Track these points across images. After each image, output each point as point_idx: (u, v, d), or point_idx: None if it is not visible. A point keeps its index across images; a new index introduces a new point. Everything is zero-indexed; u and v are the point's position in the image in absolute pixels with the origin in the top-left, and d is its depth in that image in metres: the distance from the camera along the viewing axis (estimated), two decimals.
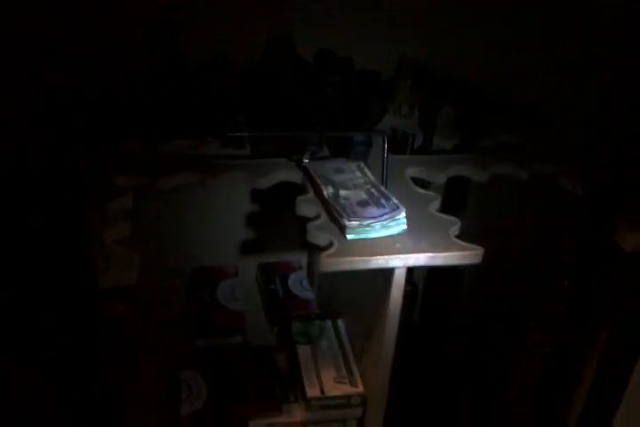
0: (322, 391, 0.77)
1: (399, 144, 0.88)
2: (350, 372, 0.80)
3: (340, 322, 0.90)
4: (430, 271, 1.05)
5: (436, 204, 0.76)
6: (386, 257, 0.65)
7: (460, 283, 1.03)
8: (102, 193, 0.72)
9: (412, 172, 0.84)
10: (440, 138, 0.90)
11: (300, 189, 0.79)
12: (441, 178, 0.84)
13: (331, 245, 0.66)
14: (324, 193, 0.73)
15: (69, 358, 0.59)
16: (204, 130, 0.78)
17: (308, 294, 1.01)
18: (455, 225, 0.71)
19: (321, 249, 0.67)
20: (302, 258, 1.10)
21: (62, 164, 0.46)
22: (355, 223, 0.67)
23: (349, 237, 0.67)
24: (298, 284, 1.03)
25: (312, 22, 0.83)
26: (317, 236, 0.68)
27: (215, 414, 0.76)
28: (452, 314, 1.01)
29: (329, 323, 0.89)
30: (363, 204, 0.71)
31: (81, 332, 0.56)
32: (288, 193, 0.78)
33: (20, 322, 0.51)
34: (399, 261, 0.66)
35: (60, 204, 0.47)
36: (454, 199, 0.96)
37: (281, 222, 1.05)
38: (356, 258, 0.64)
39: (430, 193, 0.78)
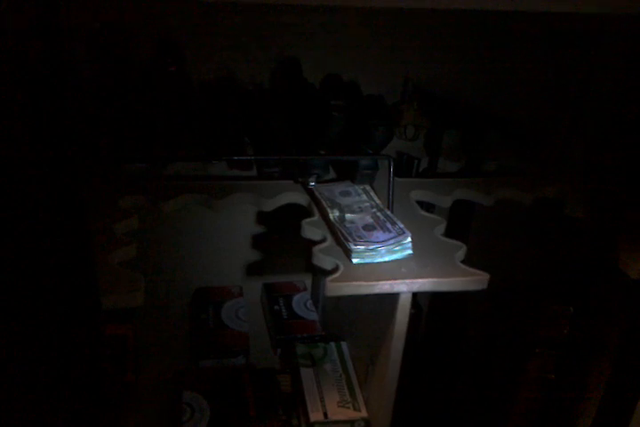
0: (325, 416, 0.76)
1: (405, 167, 0.88)
2: (354, 396, 0.79)
3: (344, 345, 0.89)
4: (435, 294, 1.05)
5: (442, 228, 0.77)
6: (391, 282, 0.65)
7: (465, 306, 1.03)
8: (108, 215, 0.72)
9: (417, 195, 0.84)
10: (445, 161, 0.91)
11: (306, 212, 0.79)
12: (446, 201, 0.84)
13: (337, 268, 0.66)
14: (330, 216, 0.73)
15: (70, 379, 0.59)
16: (211, 152, 0.79)
17: (313, 315, 1.01)
18: (461, 250, 0.71)
19: (327, 273, 0.67)
20: (307, 279, 1.10)
21: (68, 183, 0.46)
22: (361, 248, 0.67)
23: (355, 261, 0.67)
24: (302, 305, 1.03)
25: (318, 46, 0.84)
26: (323, 259, 0.68)
27: None
28: (455, 337, 1.01)
29: (333, 345, 0.89)
30: (369, 228, 0.71)
31: (83, 352, 0.55)
32: (293, 215, 0.79)
33: (22, 339, 0.51)
34: (404, 287, 0.66)
35: (65, 226, 0.47)
36: (459, 223, 0.96)
37: (286, 244, 1.06)
38: (362, 283, 0.65)
39: (436, 217, 0.78)
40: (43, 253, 0.46)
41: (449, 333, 1.02)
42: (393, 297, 0.68)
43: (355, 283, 0.64)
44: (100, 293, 0.51)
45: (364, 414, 0.77)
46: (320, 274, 1.04)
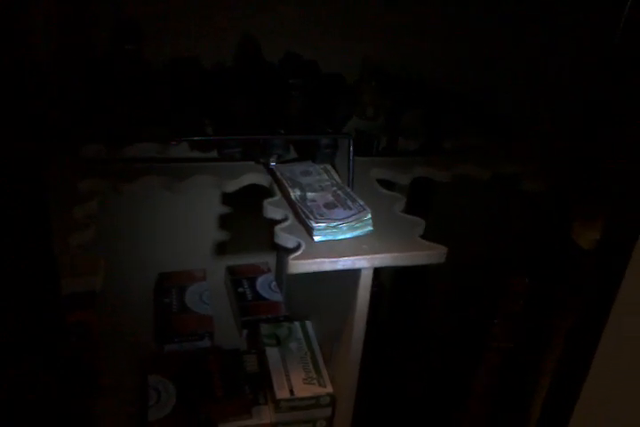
0: (291, 393, 0.77)
1: (364, 146, 0.89)
2: (319, 373, 0.80)
3: (308, 324, 0.90)
4: (396, 271, 1.07)
5: (401, 204, 0.78)
6: (352, 258, 0.66)
7: (425, 282, 1.05)
8: (66, 198, 0.71)
9: (377, 173, 0.85)
10: (404, 140, 0.92)
11: (268, 192, 0.79)
12: (405, 179, 0.85)
13: (298, 247, 0.66)
14: (292, 195, 0.73)
15: (33, 365, 0.58)
16: (170, 132, 0.78)
17: (277, 296, 1.01)
18: (419, 225, 0.72)
19: (289, 251, 0.67)
20: (271, 260, 1.11)
21: (24, 165, 0.45)
22: (322, 225, 0.67)
23: (317, 238, 0.67)
24: (266, 286, 1.03)
25: (278, 25, 0.84)
26: (285, 238, 0.69)
27: (184, 418, 0.75)
28: (417, 313, 1.03)
29: (297, 325, 0.90)
30: (330, 206, 0.72)
31: (45, 338, 0.55)
32: (255, 196, 0.79)
33: None
34: (366, 262, 0.67)
35: (23, 208, 0.46)
36: (419, 199, 0.97)
37: (248, 225, 1.06)
38: (324, 259, 0.65)
39: (395, 194, 0.79)
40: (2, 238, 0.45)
41: (411, 309, 1.04)
42: (354, 274, 0.69)
43: (317, 260, 0.65)
44: (59, 277, 0.51)
45: (329, 389, 0.78)
46: (283, 253, 1.04)
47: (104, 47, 0.78)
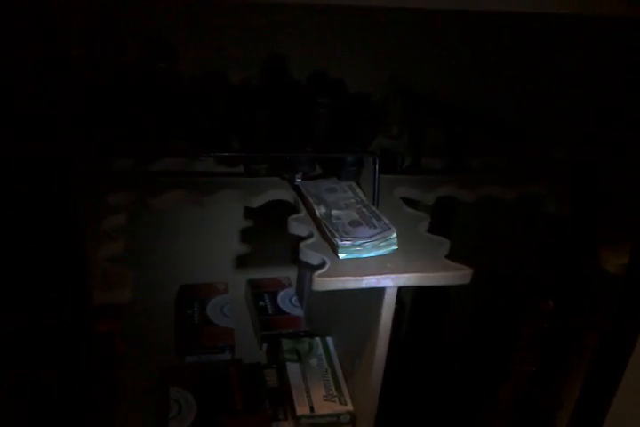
0: (311, 409, 0.77)
1: (389, 164, 0.89)
2: (339, 390, 0.80)
3: (329, 340, 0.90)
4: (417, 290, 1.07)
5: (426, 224, 0.78)
6: (377, 277, 0.66)
7: (447, 302, 1.04)
8: (96, 211, 0.72)
9: (401, 191, 0.85)
10: (429, 158, 0.92)
11: (292, 208, 0.80)
12: (430, 198, 0.86)
13: (323, 264, 0.67)
14: (317, 212, 0.74)
15: (58, 374, 0.59)
16: (199, 148, 0.80)
17: (298, 311, 1.01)
18: (444, 246, 0.72)
19: (314, 268, 0.68)
20: (292, 275, 1.11)
21: (61, 176, 0.46)
22: (347, 243, 0.68)
23: (342, 256, 0.68)
24: (287, 301, 1.04)
25: (306, 44, 0.85)
26: (310, 255, 0.69)
27: None
28: (438, 332, 1.03)
29: (318, 341, 0.90)
30: (355, 223, 0.72)
31: (71, 348, 0.56)
32: (279, 211, 0.80)
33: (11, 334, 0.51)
34: (390, 281, 0.67)
35: (56, 220, 0.47)
36: (442, 219, 0.97)
37: (270, 240, 1.06)
38: (349, 277, 0.65)
39: (420, 213, 0.80)
40: (37, 249, 0.46)
41: (432, 328, 1.03)
42: (378, 292, 0.69)
43: (342, 278, 0.65)
44: (90, 289, 0.52)
45: (349, 407, 0.78)
46: (306, 270, 1.05)
47: (135, 64, 0.80)
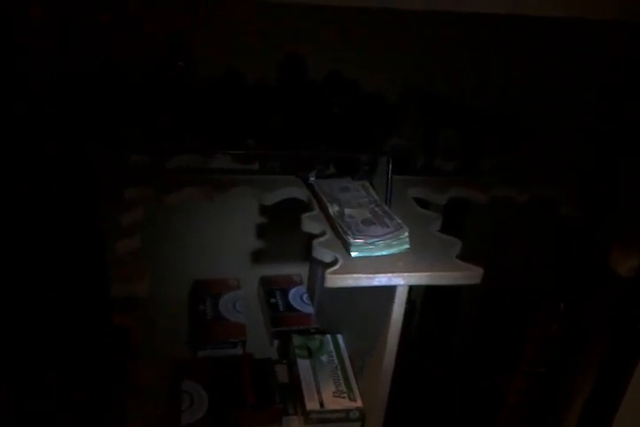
0: (321, 405, 0.78)
1: (402, 165, 0.90)
2: (349, 387, 0.81)
3: (339, 337, 0.91)
4: (428, 290, 1.07)
5: (438, 224, 0.79)
6: (389, 275, 0.67)
7: (457, 302, 1.05)
8: (113, 206, 0.74)
9: (413, 192, 0.86)
10: (442, 159, 0.93)
11: (305, 207, 0.81)
12: (442, 199, 0.86)
13: (336, 261, 0.68)
14: (330, 211, 0.75)
15: (73, 366, 0.61)
16: (215, 146, 0.81)
17: (309, 308, 1.03)
18: (456, 246, 0.73)
19: (326, 265, 0.69)
20: (303, 272, 1.12)
21: (84, 175, 0.48)
22: (360, 241, 0.69)
23: (354, 254, 0.69)
24: (298, 298, 1.05)
25: (322, 44, 0.86)
26: (323, 252, 0.70)
27: (216, 423, 0.77)
28: (447, 332, 1.03)
29: (329, 338, 0.91)
30: (367, 222, 0.73)
31: (87, 341, 0.57)
32: (292, 209, 0.81)
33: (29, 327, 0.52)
34: (402, 280, 0.68)
35: (76, 214, 0.49)
36: (453, 220, 0.98)
37: (282, 237, 1.08)
38: (361, 275, 0.66)
39: (431, 213, 0.81)
40: (57, 243, 0.48)
41: (441, 328, 1.04)
42: (390, 290, 0.70)
43: (354, 275, 0.66)
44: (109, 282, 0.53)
45: (359, 404, 0.79)
46: (318, 267, 1.06)
47: (153, 62, 0.81)
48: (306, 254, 1.12)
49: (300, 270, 1.12)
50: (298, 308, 1.03)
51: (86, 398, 0.63)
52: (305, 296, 1.05)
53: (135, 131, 0.77)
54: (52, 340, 0.55)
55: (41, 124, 0.47)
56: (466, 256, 0.72)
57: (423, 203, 0.86)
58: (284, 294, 1.06)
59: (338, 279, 0.66)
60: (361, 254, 0.69)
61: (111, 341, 0.60)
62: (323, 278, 0.67)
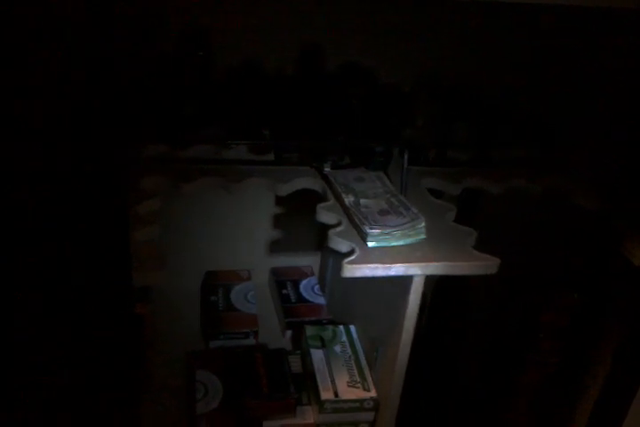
0: (335, 395, 0.78)
1: (415, 155, 0.90)
2: (363, 377, 0.81)
3: (352, 328, 0.91)
4: (439, 281, 1.07)
5: (452, 214, 0.79)
6: (406, 265, 0.67)
7: (468, 294, 1.05)
8: (131, 195, 0.74)
9: (427, 182, 0.86)
10: (456, 150, 0.93)
11: (318, 198, 0.81)
12: (456, 189, 0.86)
13: (353, 251, 0.68)
14: (345, 201, 0.75)
15: (92, 355, 0.61)
16: (230, 136, 0.81)
17: (320, 299, 1.03)
18: (471, 236, 0.73)
19: (342, 255, 0.69)
20: (314, 264, 1.12)
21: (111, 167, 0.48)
22: (376, 231, 0.69)
23: (370, 244, 0.69)
24: (310, 289, 1.05)
25: (339, 34, 0.86)
26: (339, 242, 0.70)
27: (231, 413, 0.77)
28: (460, 322, 1.03)
29: (342, 328, 0.91)
30: (383, 212, 0.73)
31: (109, 329, 0.57)
32: (304, 200, 0.81)
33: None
34: (419, 270, 0.68)
35: (99, 204, 0.49)
36: (466, 210, 0.98)
37: (293, 228, 1.08)
38: (377, 265, 0.66)
39: (446, 204, 0.80)
40: (83, 232, 0.48)
41: (454, 318, 1.04)
42: (406, 281, 0.70)
43: (370, 265, 0.66)
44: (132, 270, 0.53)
45: (373, 393, 0.79)
46: (330, 258, 1.06)
47: (171, 52, 0.81)
48: (317, 246, 1.12)
49: (310, 262, 1.12)
50: (309, 299, 1.03)
51: (102, 386, 0.64)
52: (316, 287, 1.06)
53: (152, 120, 0.77)
54: (74, 326, 0.55)
55: (69, 117, 0.47)
56: (479, 247, 0.72)
57: (436, 194, 0.86)
58: (296, 285, 1.06)
59: (355, 269, 0.66)
60: (377, 244, 0.69)
61: (131, 330, 0.61)
62: (339, 269, 0.67)
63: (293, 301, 1.02)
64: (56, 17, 0.43)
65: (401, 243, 0.70)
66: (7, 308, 0.49)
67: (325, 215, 0.76)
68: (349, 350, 0.86)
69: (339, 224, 0.73)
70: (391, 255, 0.68)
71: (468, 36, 0.92)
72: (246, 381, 0.81)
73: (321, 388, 0.79)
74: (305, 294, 1.04)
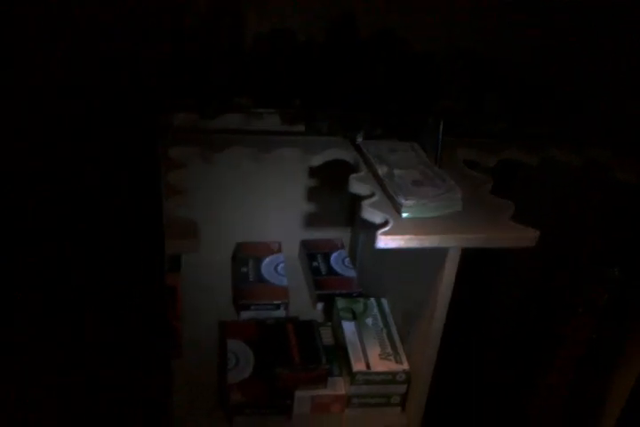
0: (368, 366, 0.78)
1: (450, 126, 0.88)
2: (395, 349, 0.81)
3: (384, 301, 0.91)
4: (474, 253, 1.06)
5: (489, 186, 0.77)
6: (441, 236, 0.65)
7: (505, 267, 1.03)
8: (161, 164, 0.73)
9: (462, 153, 0.84)
10: (490, 121, 0.90)
11: (350, 168, 0.79)
12: (491, 161, 0.84)
13: (387, 222, 0.66)
14: (379, 171, 0.73)
15: (124, 323, 0.61)
16: (260, 105, 0.79)
17: (351, 272, 1.02)
18: (509, 208, 0.71)
19: (375, 227, 0.67)
20: (345, 237, 1.11)
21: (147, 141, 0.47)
22: (411, 202, 0.67)
23: (404, 215, 0.67)
24: (340, 262, 1.04)
25: (372, 2, 0.83)
26: (372, 213, 0.69)
27: (262, 382, 0.78)
28: (495, 296, 1.02)
29: (373, 301, 0.91)
30: (417, 183, 0.71)
31: (141, 297, 0.57)
32: (334, 172, 0.79)
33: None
34: (454, 241, 0.66)
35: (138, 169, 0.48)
36: (502, 182, 0.96)
37: (325, 200, 1.07)
38: (412, 236, 0.65)
39: (483, 175, 0.78)
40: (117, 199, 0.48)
41: (487, 293, 1.02)
42: (440, 253, 0.69)
43: (405, 236, 0.65)
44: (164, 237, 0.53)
45: (405, 366, 0.78)
46: (361, 231, 1.05)
47: (200, 17, 0.79)
48: (348, 219, 1.11)
49: (341, 235, 1.12)
50: (340, 272, 1.02)
51: (134, 355, 0.64)
52: (347, 260, 1.05)
53: (181, 89, 0.76)
54: (107, 293, 0.56)
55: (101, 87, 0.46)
56: (516, 220, 0.70)
57: (471, 165, 0.83)
58: (326, 257, 1.06)
59: (389, 240, 0.64)
60: (412, 215, 0.67)
61: (164, 299, 0.61)
62: (371, 241, 0.66)
63: (324, 273, 1.02)
64: None
65: (436, 214, 0.68)
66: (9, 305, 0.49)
67: (358, 186, 0.74)
68: (381, 323, 0.86)
69: (372, 195, 0.72)
70: (426, 227, 0.66)
71: (505, 9, 0.89)
72: (277, 351, 0.81)
73: (353, 360, 0.79)
74: (335, 267, 1.03)
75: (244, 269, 1.01)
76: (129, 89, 0.47)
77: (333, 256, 1.06)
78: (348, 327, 0.84)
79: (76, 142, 0.48)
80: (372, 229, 0.67)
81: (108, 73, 0.46)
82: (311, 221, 1.10)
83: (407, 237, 0.65)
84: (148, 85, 0.46)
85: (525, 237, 0.67)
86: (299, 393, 0.78)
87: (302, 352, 0.80)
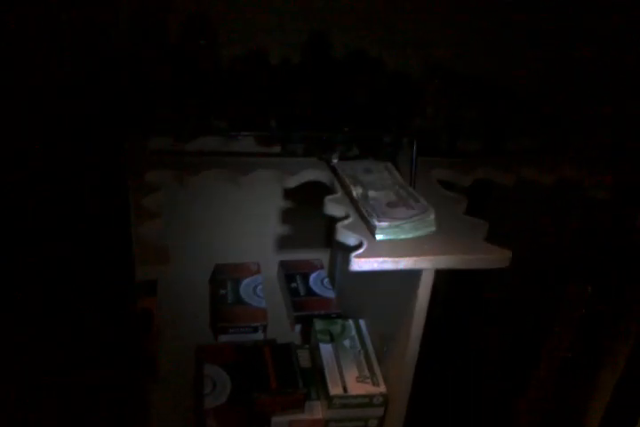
0: (345, 390, 0.77)
1: (425, 146, 0.88)
2: (373, 372, 0.80)
3: (361, 322, 0.90)
4: (451, 274, 1.06)
5: (463, 206, 0.77)
6: (415, 258, 0.65)
7: (480, 286, 1.03)
8: (134, 187, 0.73)
9: (437, 173, 0.84)
10: (466, 140, 0.91)
11: (326, 190, 0.80)
12: (467, 180, 0.84)
13: (361, 244, 0.66)
14: (353, 193, 0.73)
15: (98, 350, 0.60)
16: (236, 127, 0.79)
17: (330, 293, 1.02)
18: (483, 228, 0.71)
19: (350, 249, 0.67)
20: (323, 257, 1.11)
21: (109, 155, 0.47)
22: (384, 224, 0.67)
23: (379, 237, 0.67)
24: (319, 283, 1.04)
25: (346, 23, 0.84)
26: (347, 235, 0.69)
27: (239, 407, 0.77)
28: (471, 317, 1.02)
29: (351, 322, 0.90)
30: (392, 204, 0.71)
31: (113, 324, 0.57)
32: (312, 193, 0.79)
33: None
34: (428, 263, 0.66)
35: (104, 200, 0.48)
36: (476, 202, 0.96)
37: (302, 221, 1.07)
38: (386, 259, 0.65)
39: (457, 195, 0.79)
40: (85, 225, 0.47)
41: (464, 314, 1.03)
42: (415, 274, 0.69)
43: (379, 259, 0.65)
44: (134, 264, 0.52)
45: (382, 389, 0.78)
46: (339, 252, 1.05)
47: (175, 40, 0.79)
48: (326, 239, 1.11)
49: (320, 255, 1.11)
50: (319, 292, 1.02)
51: (110, 381, 0.63)
52: (326, 281, 1.05)
53: (156, 112, 0.76)
54: (77, 321, 0.55)
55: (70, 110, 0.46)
56: (490, 239, 0.70)
57: (447, 185, 0.84)
58: (305, 278, 1.05)
59: (363, 262, 0.64)
60: (386, 237, 0.68)
61: (137, 325, 0.60)
62: (347, 262, 0.66)
63: (302, 294, 1.01)
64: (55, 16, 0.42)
65: (410, 236, 0.68)
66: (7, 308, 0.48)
67: (333, 208, 0.74)
68: (359, 345, 0.85)
69: (347, 217, 0.72)
70: (400, 248, 0.66)
71: (477, 24, 0.90)
72: (255, 375, 0.80)
73: (330, 383, 0.78)
74: (314, 288, 1.03)
75: (223, 291, 1.00)
76: (91, 119, 0.46)
77: (312, 277, 1.05)
78: (326, 350, 0.84)
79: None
80: (347, 251, 0.67)
81: (69, 102, 0.46)
82: (290, 241, 1.09)
83: (381, 259, 0.65)
84: (112, 114, 0.46)
85: (498, 258, 0.67)
86: (275, 419, 0.77)
87: (279, 376, 0.79)
